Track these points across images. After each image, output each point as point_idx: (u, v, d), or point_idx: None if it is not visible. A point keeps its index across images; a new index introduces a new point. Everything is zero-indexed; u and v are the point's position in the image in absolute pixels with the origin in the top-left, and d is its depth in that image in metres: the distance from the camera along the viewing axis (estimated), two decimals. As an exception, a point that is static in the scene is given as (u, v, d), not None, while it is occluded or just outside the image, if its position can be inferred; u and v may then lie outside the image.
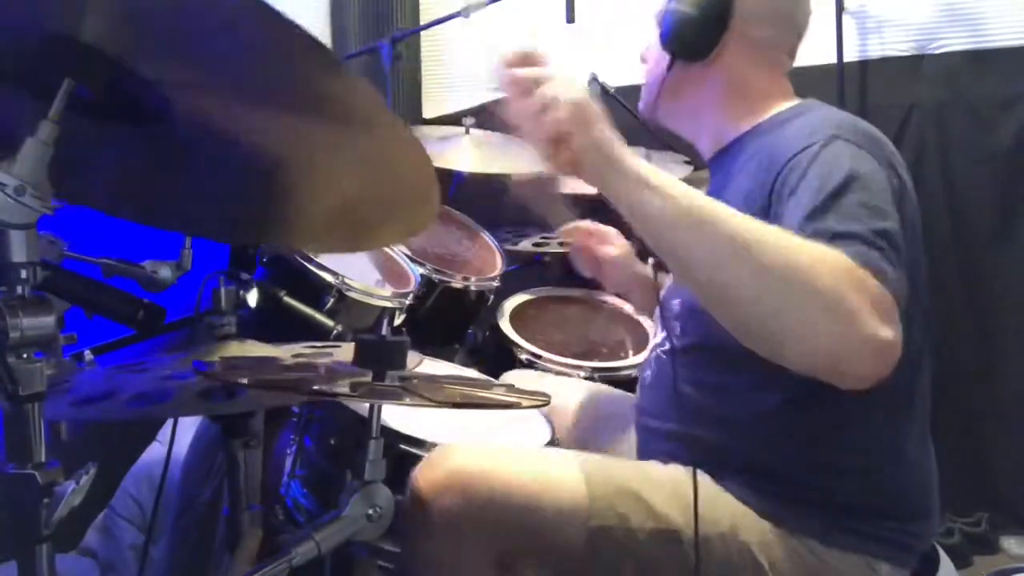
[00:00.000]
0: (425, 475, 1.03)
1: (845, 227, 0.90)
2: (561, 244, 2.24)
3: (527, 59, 0.99)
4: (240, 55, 0.71)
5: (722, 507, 1.05)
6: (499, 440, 1.26)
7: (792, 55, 1.23)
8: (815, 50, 2.24)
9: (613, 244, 1.49)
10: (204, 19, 0.67)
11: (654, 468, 1.13)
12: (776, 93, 1.20)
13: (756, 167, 1.07)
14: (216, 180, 0.92)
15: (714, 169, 1.24)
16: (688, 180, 2.12)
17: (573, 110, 0.93)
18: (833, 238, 0.89)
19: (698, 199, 0.91)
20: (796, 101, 1.19)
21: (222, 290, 1.18)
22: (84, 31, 0.69)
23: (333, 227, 1.04)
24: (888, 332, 0.84)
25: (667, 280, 1.31)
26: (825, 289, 0.84)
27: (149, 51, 0.73)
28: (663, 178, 0.93)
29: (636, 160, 0.94)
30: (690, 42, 1.17)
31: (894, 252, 0.90)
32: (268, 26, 0.64)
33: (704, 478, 1.08)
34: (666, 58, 1.19)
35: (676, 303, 1.19)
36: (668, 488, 1.06)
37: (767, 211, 1.00)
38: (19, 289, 0.73)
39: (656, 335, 1.27)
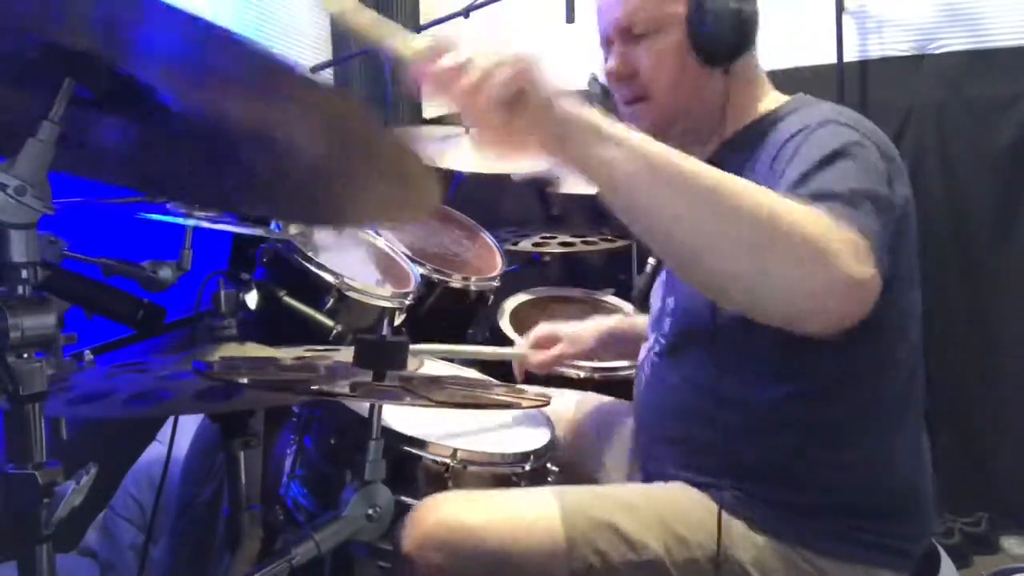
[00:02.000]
0: (409, 531, 1.03)
1: (826, 188, 0.90)
2: (562, 244, 2.25)
3: (437, 50, 0.86)
4: (219, 64, 0.72)
5: (712, 525, 1.04)
6: (500, 441, 1.26)
7: None
8: (815, 50, 2.24)
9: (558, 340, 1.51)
10: (176, 35, 0.68)
11: (634, 492, 1.13)
12: (767, 88, 1.18)
13: (760, 162, 1.06)
14: (210, 157, 0.92)
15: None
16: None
17: (517, 65, 0.84)
18: (812, 198, 0.88)
19: (660, 148, 0.86)
20: (786, 97, 1.17)
21: (222, 293, 1.18)
22: (76, 42, 0.70)
23: (317, 202, 1.04)
24: (864, 270, 0.84)
25: (658, 281, 1.30)
26: (797, 229, 0.82)
27: (133, 57, 0.73)
28: (619, 128, 0.87)
29: (591, 112, 0.87)
30: (730, 44, 1.09)
31: (874, 210, 0.89)
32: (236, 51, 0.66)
33: (692, 492, 1.08)
34: (694, 65, 1.10)
35: (670, 301, 1.19)
36: (647, 513, 1.05)
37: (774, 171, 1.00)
38: (19, 289, 0.73)
39: (648, 338, 1.26)
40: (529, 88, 0.84)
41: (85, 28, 0.69)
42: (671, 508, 1.06)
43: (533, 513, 1.06)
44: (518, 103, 0.84)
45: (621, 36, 1.15)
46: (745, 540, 1.03)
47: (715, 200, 0.84)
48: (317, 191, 0.97)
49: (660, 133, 1.13)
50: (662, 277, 1.26)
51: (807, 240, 0.82)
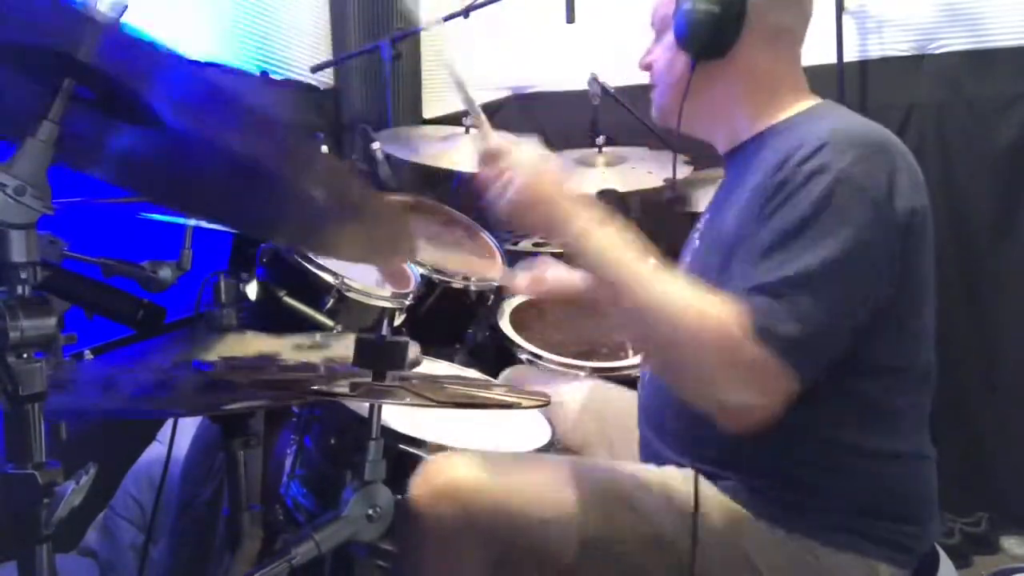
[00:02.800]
0: (421, 486, 1.04)
1: (767, 277, 0.95)
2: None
3: (492, 156, 1.09)
4: (224, 111, 0.74)
5: (718, 510, 1.05)
6: (499, 441, 1.26)
7: (802, 40, 1.21)
8: (815, 50, 2.23)
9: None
10: (182, 80, 0.70)
11: (647, 472, 1.14)
12: (794, 88, 1.19)
13: (765, 170, 1.06)
14: (208, 171, 0.93)
15: (730, 165, 1.23)
16: (689, 180, 2.14)
17: (521, 195, 1.05)
18: (750, 291, 0.95)
19: (617, 266, 1.01)
20: (813, 102, 1.18)
21: (222, 283, 1.18)
22: (80, 52, 0.70)
23: (312, 235, 1.08)
24: (751, 398, 0.93)
25: None
26: (694, 360, 0.95)
27: (139, 76, 0.73)
28: (598, 242, 1.03)
29: (578, 225, 1.03)
30: (710, 40, 1.14)
31: (815, 294, 0.94)
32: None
33: (701, 481, 1.08)
34: (683, 60, 1.18)
35: None
36: (660, 493, 1.06)
37: (762, 212, 1.02)
38: (19, 289, 0.73)
39: None
40: (526, 215, 1.07)
41: (95, 55, 0.69)
42: (681, 488, 1.07)
43: (546, 477, 1.07)
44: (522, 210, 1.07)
45: (653, 32, 1.27)
46: (748, 529, 1.04)
47: (644, 324, 1.01)
48: (312, 227, 1.01)
49: (666, 122, 1.25)
50: None
51: (698, 371, 0.96)
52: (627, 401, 1.43)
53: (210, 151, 0.84)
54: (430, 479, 1.05)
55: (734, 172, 1.20)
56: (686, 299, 0.98)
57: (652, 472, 1.14)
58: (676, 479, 1.09)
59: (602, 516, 1.04)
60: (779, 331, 0.93)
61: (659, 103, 1.26)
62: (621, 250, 1.02)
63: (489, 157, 1.10)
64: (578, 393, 1.47)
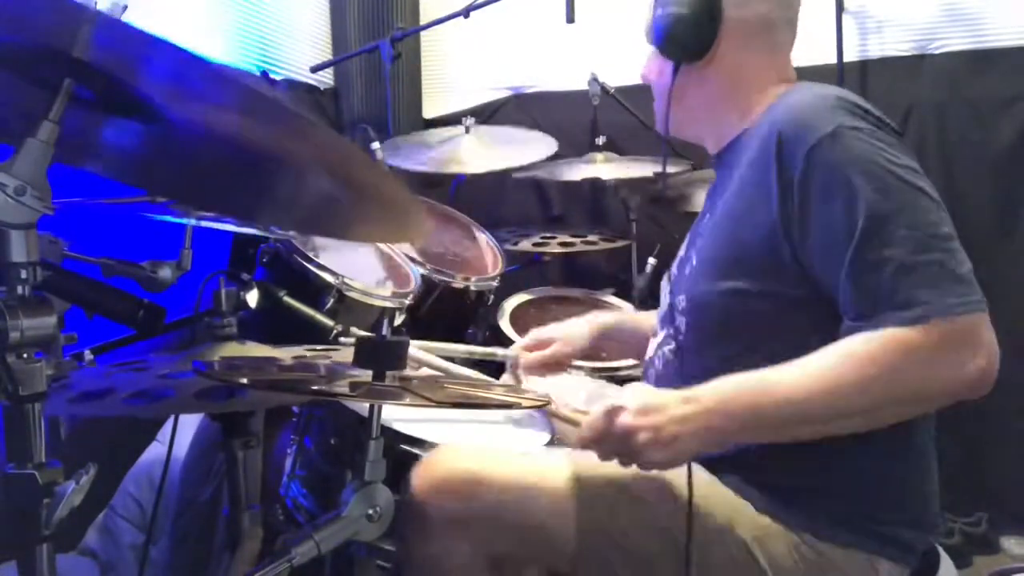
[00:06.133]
0: (421, 477, 1.05)
1: (899, 260, 0.94)
2: (562, 244, 2.25)
3: (596, 440, 1.02)
4: (224, 100, 0.74)
5: (719, 502, 1.05)
6: (499, 442, 1.26)
7: (792, 25, 1.21)
8: (815, 50, 2.24)
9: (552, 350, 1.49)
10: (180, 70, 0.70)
11: None
12: (778, 80, 1.18)
13: (750, 158, 1.08)
14: (208, 161, 0.93)
15: (718, 166, 1.24)
16: (688, 180, 2.14)
17: (659, 453, 0.98)
18: (892, 293, 0.94)
19: (762, 411, 0.97)
20: (785, 88, 1.17)
21: (222, 291, 1.18)
22: (76, 49, 0.70)
23: (324, 219, 1.07)
24: (971, 365, 0.97)
25: (665, 279, 1.30)
26: (904, 391, 0.95)
27: (136, 71, 0.74)
28: (733, 419, 0.97)
29: (707, 424, 0.97)
30: (687, 43, 1.16)
31: (949, 245, 0.97)
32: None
33: (701, 473, 1.08)
34: (668, 66, 1.19)
35: (681, 299, 1.19)
36: (660, 483, 1.06)
37: (770, 199, 1.02)
38: (19, 289, 0.73)
39: (657, 333, 1.26)
40: (624, 457, 1.00)
41: (91, 49, 0.69)
42: (678, 480, 1.07)
43: (545, 468, 1.08)
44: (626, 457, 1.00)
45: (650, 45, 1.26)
46: (749, 520, 1.05)
47: (823, 423, 0.97)
48: (324, 210, 1.01)
49: (664, 130, 1.25)
50: (672, 273, 1.26)
51: (916, 392, 0.96)
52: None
53: (209, 139, 0.83)
54: (430, 471, 1.06)
55: (724, 172, 1.20)
56: (837, 367, 0.95)
57: None
58: (672, 471, 1.09)
59: (603, 506, 1.04)
60: (951, 298, 0.96)
61: (657, 115, 1.25)
62: (755, 399, 0.98)
63: (592, 443, 1.01)
64: (578, 394, 1.48)
